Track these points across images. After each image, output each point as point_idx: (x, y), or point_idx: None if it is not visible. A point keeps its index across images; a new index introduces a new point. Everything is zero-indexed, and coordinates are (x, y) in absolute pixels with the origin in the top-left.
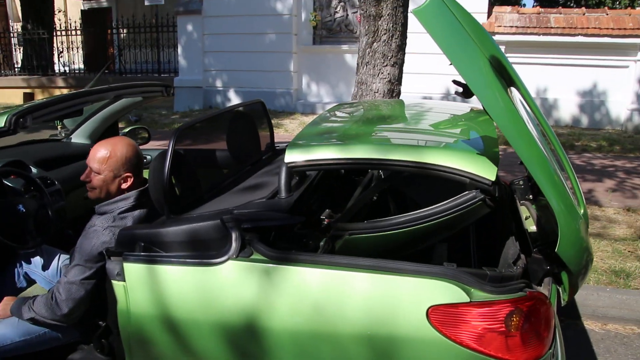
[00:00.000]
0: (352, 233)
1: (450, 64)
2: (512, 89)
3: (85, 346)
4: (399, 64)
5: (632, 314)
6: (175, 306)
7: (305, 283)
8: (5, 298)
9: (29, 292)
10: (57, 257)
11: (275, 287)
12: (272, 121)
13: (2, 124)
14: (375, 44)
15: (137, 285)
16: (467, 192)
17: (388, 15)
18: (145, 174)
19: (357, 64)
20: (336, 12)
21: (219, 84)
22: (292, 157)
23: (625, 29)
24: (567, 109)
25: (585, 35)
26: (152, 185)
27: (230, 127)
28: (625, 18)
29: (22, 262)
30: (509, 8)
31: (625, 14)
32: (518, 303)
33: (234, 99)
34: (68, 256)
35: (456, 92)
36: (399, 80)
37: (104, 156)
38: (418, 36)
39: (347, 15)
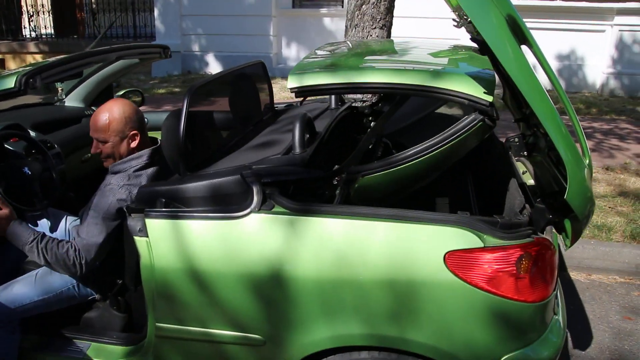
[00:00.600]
0: (365, 174)
1: (462, 21)
2: (524, 46)
3: (101, 304)
4: (388, 27)
5: (614, 264)
6: (200, 259)
7: (327, 233)
8: (4, 210)
9: None
10: (64, 219)
11: (299, 238)
12: None
13: (12, 85)
14: (364, 6)
15: (160, 240)
16: (466, 115)
17: None
18: (154, 134)
19: (346, 27)
20: None
21: (197, 48)
22: (296, 82)
23: None
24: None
25: None
26: (166, 143)
27: (234, 88)
28: None
29: (29, 224)
30: None
31: None
32: (527, 248)
33: (213, 64)
34: (75, 218)
35: (473, 50)
36: None
37: (105, 123)
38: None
39: None
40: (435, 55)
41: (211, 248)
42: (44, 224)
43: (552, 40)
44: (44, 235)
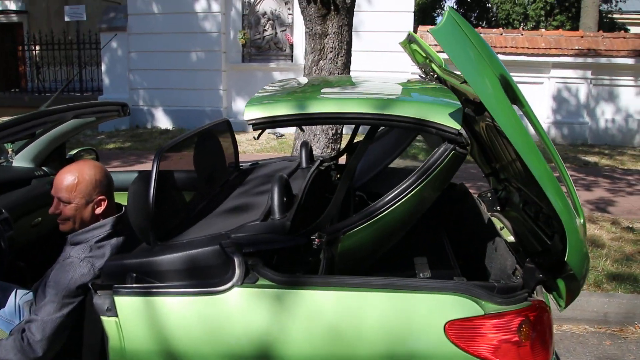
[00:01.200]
0: (346, 230)
1: (429, 76)
2: (515, 106)
3: None
4: None
5: (583, 314)
6: (177, 340)
7: (318, 307)
8: None
9: None
10: (13, 293)
11: (288, 313)
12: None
13: None
14: (321, 61)
15: (132, 320)
16: (437, 148)
17: (334, 33)
18: (119, 198)
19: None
20: (265, 30)
21: (145, 102)
22: (253, 114)
23: (538, 48)
24: None
25: (504, 53)
26: (133, 210)
27: (201, 148)
28: (538, 39)
29: None
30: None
31: (537, 34)
32: (526, 312)
33: (162, 118)
34: (26, 291)
35: (467, 110)
36: None
37: (72, 183)
38: (360, 54)
39: (276, 33)
40: (402, 84)
41: (190, 327)
42: None
43: None
44: None
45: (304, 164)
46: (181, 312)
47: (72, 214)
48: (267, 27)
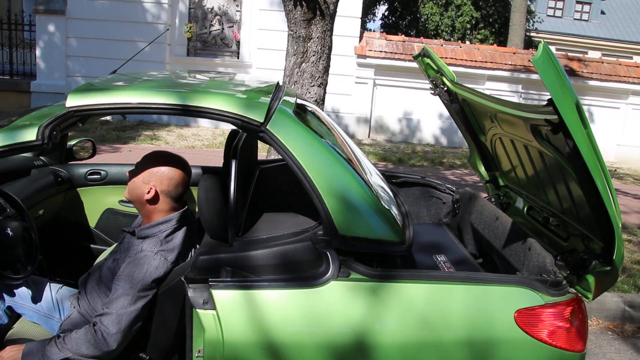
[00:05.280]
0: None
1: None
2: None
3: None
4: (324, 85)
5: None
6: (276, 331)
7: (410, 298)
8: (7, 348)
9: (19, 331)
10: (47, 287)
11: (383, 305)
12: (148, 133)
13: (34, 137)
14: (304, 64)
15: (230, 313)
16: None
17: (317, 37)
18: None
19: (284, 83)
20: (212, 25)
21: None
22: (72, 102)
23: (475, 61)
24: (429, 130)
25: None
26: (206, 207)
27: (244, 145)
28: (475, 52)
29: (3, 294)
30: (377, 34)
31: (475, 48)
32: (573, 303)
33: None
34: (60, 285)
35: (547, 129)
36: (323, 100)
37: (147, 158)
38: (335, 58)
39: (223, 29)
40: (221, 80)
41: (290, 319)
42: (23, 294)
43: (435, 100)
44: (58, 335)
45: None
46: (281, 304)
47: (130, 184)
48: (214, 22)
